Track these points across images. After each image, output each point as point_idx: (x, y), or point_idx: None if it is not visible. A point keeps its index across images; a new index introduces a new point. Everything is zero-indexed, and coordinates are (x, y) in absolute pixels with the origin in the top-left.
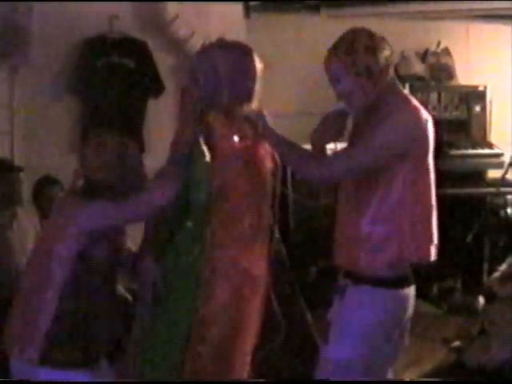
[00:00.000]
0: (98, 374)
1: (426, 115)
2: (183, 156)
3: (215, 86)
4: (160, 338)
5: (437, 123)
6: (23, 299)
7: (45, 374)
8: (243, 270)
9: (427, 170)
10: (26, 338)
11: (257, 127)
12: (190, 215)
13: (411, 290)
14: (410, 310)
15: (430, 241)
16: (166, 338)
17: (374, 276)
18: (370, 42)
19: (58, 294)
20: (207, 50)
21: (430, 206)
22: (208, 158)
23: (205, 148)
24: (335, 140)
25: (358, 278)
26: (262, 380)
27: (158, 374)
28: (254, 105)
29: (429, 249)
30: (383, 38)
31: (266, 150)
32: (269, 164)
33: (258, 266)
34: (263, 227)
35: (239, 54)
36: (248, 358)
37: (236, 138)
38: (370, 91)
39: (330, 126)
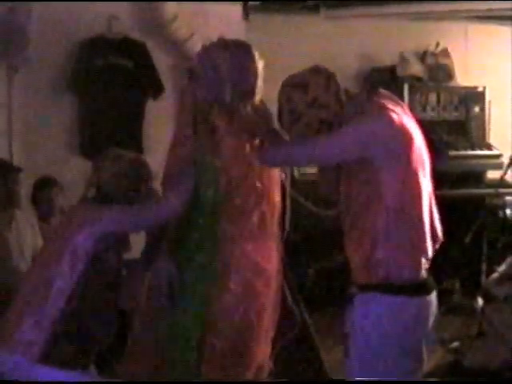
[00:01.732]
0: (91, 375)
1: (397, 119)
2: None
3: (217, 84)
4: (176, 334)
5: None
6: (26, 297)
7: (41, 372)
8: (255, 263)
9: (415, 181)
10: (28, 335)
11: (263, 121)
12: (200, 212)
13: (428, 298)
14: (430, 320)
15: (422, 253)
16: (182, 334)
17: (383, 283)
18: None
19: (67, 292)
20: (208, 49)
21: (421, 216)
22: (214, 156)
23: (210, 146)
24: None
25: (366, 286)
26: (262, 381)
27: (175, 370)
28: (256, 101)
29: (420, 261)
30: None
31: None
32: None
33: (270, 260)
34: (273, 222)
35: (239, 52)
36: (266, 351)
37: (240, 134)
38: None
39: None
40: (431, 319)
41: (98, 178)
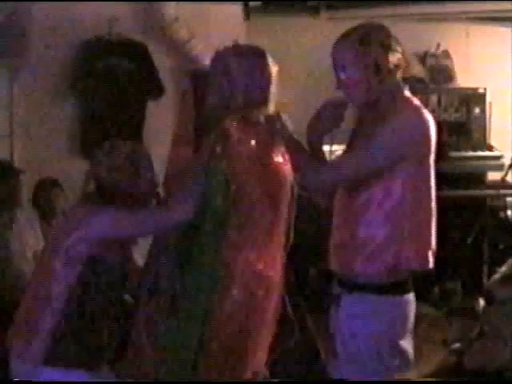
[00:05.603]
0: (100, 376)
1: (428, 117)
2: (201, 167)
3: (230, 90)
4: (174, 337)
5: (437, 125)
6: (30, 298)
7: (47, 374)
8: (258, 272)
9: (428, 173)
10: (31, 337)
11: (275, 129)
12: (206, 219)
13: (411, 297)
14: (412, 318)
15: (429, 247)
16: (180, 338)
17: (370, 283)
18: (386, 40)
19: (65, 294)
20: (221, 55)
21: (431, 210)
22: (224, 162)
23: (221, 153)
24: (331, 130)
25: (352, 286)
26: (262, 381)
27: (171, 373)
28: (270, 108)
29: (427, 255)
30: (398, 40)
31: (283, 154)
32: (287, 167)
33: (273, 268)
34: (279, 232)
35: (253, 57)
36: (263, 357)
37: (253, 142)
38: (372, 88)
39: (329, 115)
40: (413, 317)
41: (95, 173)
